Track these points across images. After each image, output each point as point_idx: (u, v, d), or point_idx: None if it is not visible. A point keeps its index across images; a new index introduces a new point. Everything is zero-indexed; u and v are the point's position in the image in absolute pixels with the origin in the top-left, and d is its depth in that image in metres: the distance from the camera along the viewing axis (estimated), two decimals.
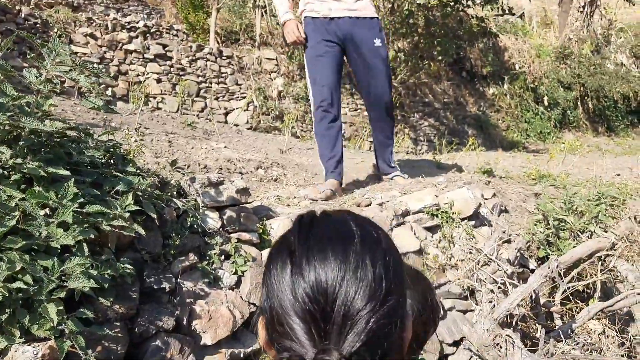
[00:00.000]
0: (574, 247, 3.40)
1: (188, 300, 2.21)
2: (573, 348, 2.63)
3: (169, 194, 2.34)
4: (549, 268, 2.61)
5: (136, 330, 2.02)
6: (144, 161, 2.58)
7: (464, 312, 3.05)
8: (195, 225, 2.33)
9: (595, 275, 3.32)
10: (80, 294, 1.85)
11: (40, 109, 2.03)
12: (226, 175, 3.34)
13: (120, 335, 1.95)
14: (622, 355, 3.13)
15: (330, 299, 0.67)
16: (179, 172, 2.44)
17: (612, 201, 3.70)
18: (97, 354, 1.85)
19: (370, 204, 3.26)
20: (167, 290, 2.18)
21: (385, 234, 0.77)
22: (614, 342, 3.10)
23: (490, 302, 2.81)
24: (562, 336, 2.77)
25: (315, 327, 0.67)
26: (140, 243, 2.19)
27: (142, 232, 2.03)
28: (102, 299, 1.94)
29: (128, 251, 2.15)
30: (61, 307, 1.77)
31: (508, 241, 3.06)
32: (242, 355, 2.17)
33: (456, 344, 2.86)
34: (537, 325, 2.92)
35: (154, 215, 2.16)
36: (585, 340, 2.73)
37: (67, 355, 1.81)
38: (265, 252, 2.48)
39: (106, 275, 1.90)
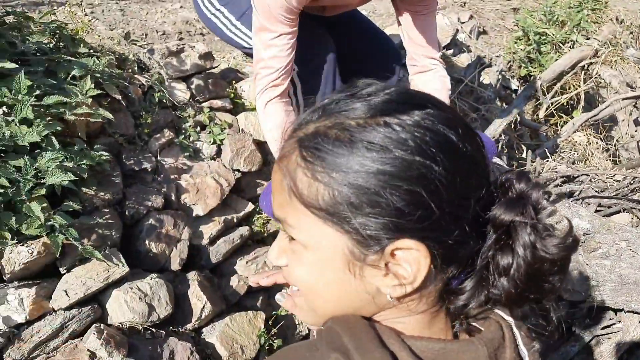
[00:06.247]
0: (556, 60, 3.32)
1: (172, 177, 2.20)
2: (559, 163, 2.68)
3: (130, 70, 2.21)
4: (532, 88, 2.55)
5: (127, 213, 2.03)
6: (99, 36, 2.40)
7: None
8: (164, 100, 2.24)
9: (579, 86, 3.29)
10: (62, 189, 1.83)
11: None
12: (187, 39, 3.14)
13: (111, 221, 1.96)
14: (607, 160, 3.22)
15: None
16: (135, 44, 2.28)
17: (594, 5, 3.53)
18: (92, 242, 1.88)
19: None
20: (149, 170, 2.15)
21: None
22: (598, 149, 3.17)
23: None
24: (547, 153, 2.80)
25: None
26: (111, 127, 2.11)
27: (110, 116, 1.95)
28: (85, 189, 1.93)
29: (100, 137, 2.09)
30: (45, 204, 1.76)
31: (489, 65, 2.96)
32: (235, 220, 2.22)
33: None
34: (522, 147, 2.96)
35: (118, 96, 2.06)
36: (569, 155, 2.77)
37: (64, 248, 1.84)
38: (241, 117, 2.42)
39: (83, 166, 1.86)
